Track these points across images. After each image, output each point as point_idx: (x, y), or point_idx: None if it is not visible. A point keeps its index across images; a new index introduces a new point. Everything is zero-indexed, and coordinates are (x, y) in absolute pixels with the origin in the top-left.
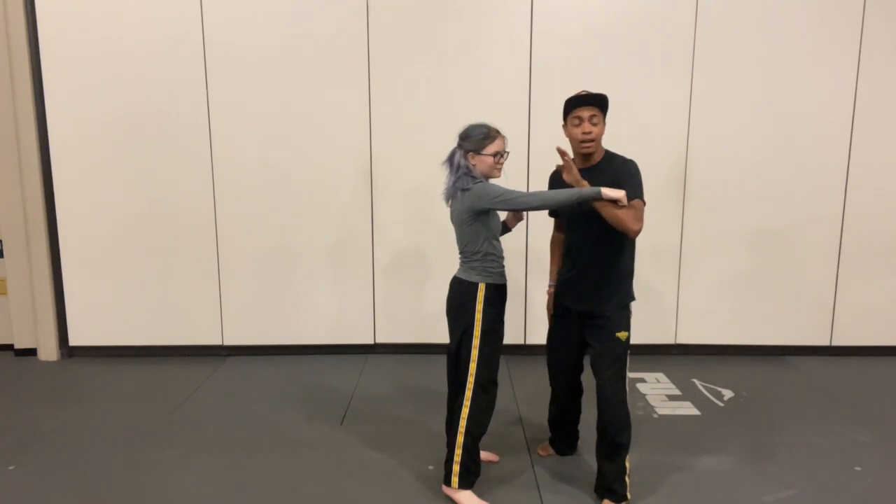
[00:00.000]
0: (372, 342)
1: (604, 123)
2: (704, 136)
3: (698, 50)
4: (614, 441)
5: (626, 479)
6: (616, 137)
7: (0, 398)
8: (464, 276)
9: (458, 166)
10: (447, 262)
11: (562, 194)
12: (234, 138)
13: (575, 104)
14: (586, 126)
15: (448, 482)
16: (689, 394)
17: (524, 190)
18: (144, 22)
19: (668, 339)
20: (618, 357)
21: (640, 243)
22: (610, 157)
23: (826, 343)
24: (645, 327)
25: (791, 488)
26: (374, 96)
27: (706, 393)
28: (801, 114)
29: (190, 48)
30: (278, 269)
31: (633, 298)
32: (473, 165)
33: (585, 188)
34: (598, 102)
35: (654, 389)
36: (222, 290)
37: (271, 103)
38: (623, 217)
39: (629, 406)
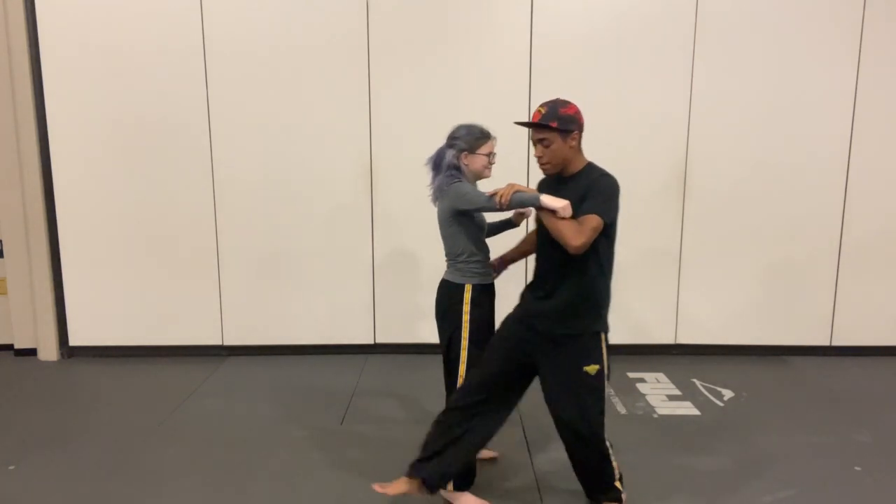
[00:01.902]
0: (372, 342)
1: (563, 141)
2: (704, 136)
3: (698, 50)
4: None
5: (618, 484)
6: (616, 138)
7: (0, 398)
8: (450, 278)
9: (449, 166)
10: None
11: (513, 199)
12: (234, 138)
13: (528, 127)
14: (538, 150)
15: (444, 485)
16: (689, 394)
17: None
18: (144, 21)
19: (668, 339)
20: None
21: (640, 243)
22: (589, 169)
23: (826, 343)
24: (645, 327)
25: (791, 488)
26: (374, 97)
27: (706, 393)
28: (802, 114)
29: (190, 49)
30: (278, 268)
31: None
32: (466, 165)
33: (527, 193)
34: (542, 126)
35: (654, 389)
36: (222, 290)
37: (271, 103)
38: (562, 228)
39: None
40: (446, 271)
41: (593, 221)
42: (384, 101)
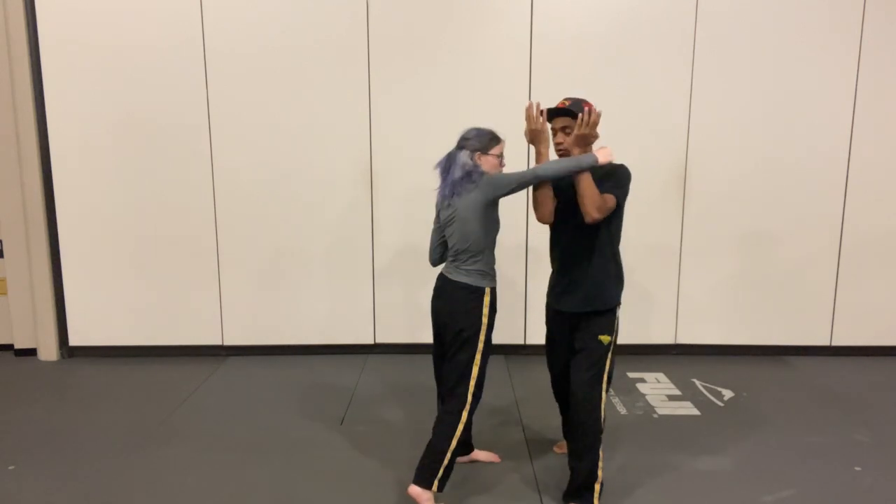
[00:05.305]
0: (372, 342)
1: None
2: (704, 136)
3: (698, 50)
4: (581, 444)
5: (596, 486)
6: (616, 139)
7: (0, 398)
8: (469, 281)
9: (465, 164)
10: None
11: (562, 163)
12: (234, 138)
13: (549, 116)
14: (558, 137)
15: (428, 485)
16: (689, 394)
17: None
18: (144, 21)
19: (668, 339)
20: (597, 360)
21: (640, 243)
22: None
23: (826, 343)
24: (645, 327)
25: (791, 488)
26: (374, 97)
27: (706, 393)
28: (802, 113)
29: (190, 49)
30: (278, 269)
31: (617, 303)
32: (479, 165)
33: (583, 156)
34: (566, 113)
35: (654, 389)
36: (222, 290)
37: (271, 103)
38: (590, 197)
39: (604, 411)
40: (460, 272)
41: (610, 202)
42: (384, 103)
